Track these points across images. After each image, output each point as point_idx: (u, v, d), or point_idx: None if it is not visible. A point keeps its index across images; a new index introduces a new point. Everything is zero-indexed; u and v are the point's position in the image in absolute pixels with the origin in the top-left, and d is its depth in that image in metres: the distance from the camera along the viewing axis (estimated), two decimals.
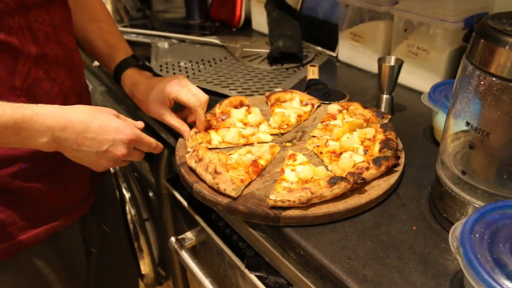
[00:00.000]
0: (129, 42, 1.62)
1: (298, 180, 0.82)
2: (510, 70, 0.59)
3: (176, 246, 1.06)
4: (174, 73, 1.35)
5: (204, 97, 0.97)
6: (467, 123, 0.66)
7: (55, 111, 0.77)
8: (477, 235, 0.59)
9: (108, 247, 1.20)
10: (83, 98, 0.97)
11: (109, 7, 1.86)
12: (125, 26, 1.81)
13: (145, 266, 1.47)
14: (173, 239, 1.07)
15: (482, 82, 0.62)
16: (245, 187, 0.82)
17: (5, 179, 0.84)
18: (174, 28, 1.77)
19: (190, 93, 0.96)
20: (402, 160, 0.88)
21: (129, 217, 1.42)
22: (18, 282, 0.92)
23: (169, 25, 1.82)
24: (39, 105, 0.76)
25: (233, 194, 0.79)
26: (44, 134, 0.75)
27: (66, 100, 0.88)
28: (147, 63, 1.11)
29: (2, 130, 0.71)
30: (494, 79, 0.61)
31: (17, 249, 0.89)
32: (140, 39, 1.66)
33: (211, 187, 0.82)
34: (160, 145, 0.89)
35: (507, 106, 0.60)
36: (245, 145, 0.95)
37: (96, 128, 0.78)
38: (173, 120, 0.99)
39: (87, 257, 1.11)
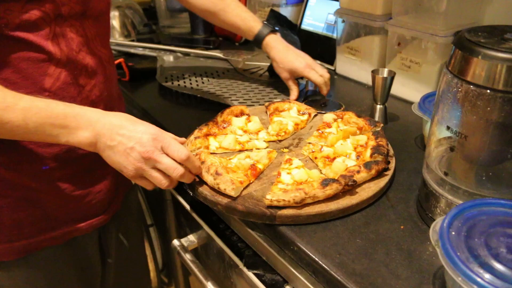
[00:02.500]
0: (136, 56, 1.72)
1: (293, 182, 0.87)
2: (483, 77, 0.64)
3: (179, 248, 1.11)
4: (178, 85, 1.41)
5: (327, 75, 1.26)
6: (448, 127, 0.72)
7: (99, 112, 0.84)
8: (455, 230, 0.64)
9: (127, 259, 1.23)
10: (111, 107, 1.00)
11: (116, 22, 1.93)
12: (132, 40, 1.88)
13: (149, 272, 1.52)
14: (176, 241, 1.12)
15: (460, 90, 0.68)
16: (244, 188, 0.87)
17: (29, 177, 0.89)
18: (179, 42, 1.84)
19: (317, 74, 1.25)
20: (392, 165, 0.93)
21: None
22: (32, 279, 0.97)
23: (175, 39, 1.89)
24: (81, 105, 0.83)
25: (232, 194, 0.84)
26: (86, 129, 0.81)
27: (93, 107, 0.89)
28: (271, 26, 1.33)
29: (53, 120, 0.78)
30: (470, 86, 0.66)
31: (33, 248, 0.93)
32: (147, 52, 1.73)
33: (212, 188, 0.87)
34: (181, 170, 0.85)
35: (482, 110, 0.66)
36: (240, 151, 1.01)
37: (128, 126, 0.82)
38: (293, 86, 1.31)
39: (103, 266, 1.14)
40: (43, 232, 0.94)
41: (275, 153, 0.99)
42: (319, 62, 1.59)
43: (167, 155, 0.83)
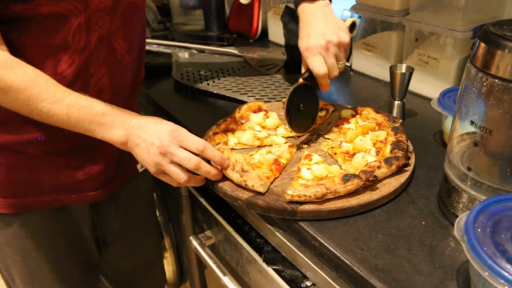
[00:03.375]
0: (151, 53, 1.72)
1: (313, 178, 0.87)
2: (509, 71, 0.63)
3: (196, 244, 1.12)
4: (194, 81, 1.42)
5: (334, 67, 0.99)
6: (471, 122, 0.71)
7: (133, 114, 0.90)
8: (480, 225, 0.63)
9: (133, 242, 1.27)
10: (120, 97, 1.03)
11: None
12: (147, 38, 1.88)
13: (168, 266, 1.53)
14: (193, 237, 1.13)
15: (484, 84, 0.67)
16: (270, 183, 0.87)
17: (27, 144, 0.96)
18: (193, 39, 1.84)
19: (319, 61, 0.97)
20: (412, 161, 0.93)
21: None
22: (21, 237, 1.04)
23: (189, 36, 1.90)
24: (120, 107, 0.90)
25: (261, 189, 0.84)
26: (120, 127, 0.87)
27: (99, 94, 0.96)
28: None
29: (92, 117, 0.86)
30: (495, 80, 0.65)
31: (24, 206, 1.01)
32: (161, 49, 1.74)
33: (238, 185, 0.87)
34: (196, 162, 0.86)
35: (508, 105, 0.65)
36: (259, 146, 1.01)
37: (152, 125, 0.87)
38: (303, 68, 1.03)
39: (99, 245, 1.22)
40: (34, 194, 1.01)
41: (295, 147, 0.99)
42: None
43: (185, 149, 0.85)
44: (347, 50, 1.01)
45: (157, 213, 1.48)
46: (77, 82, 0.93)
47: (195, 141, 0.85)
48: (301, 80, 1.00)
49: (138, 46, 1.06)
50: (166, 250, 1.58)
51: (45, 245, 1.07)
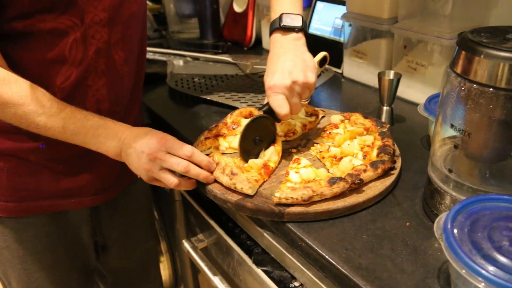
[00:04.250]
0: (147, 60, 1.73)
1: (301, 181, 0.89)
2: (485, 76, 0.66)
3: (189, 248, 1.14)
4: (188, 88, 1.44)
5: (284, 111, 0.93)
6: (452, 125, 0.73)
7: (125, 126, 0.93)
8: (458, 224, 0.65)
9: (132, 246, 1.29)
10: (119, 106, 1.06)
11: None
12: None
13: (164, 270, 1.55)
14: (186, 240, 1.15)
15: (463, 88, 0.70)
16: (259, 186, 0.90)
17: (29, 151, 0.99)
18: (188, 47, 1.87)
19: (280, 101, 0.93)
20: (398, 165, 0.95)
21: None
22: (20, 240, 1.07)
23: (184, 44, 1.93)
24: (114, 120, 0.93)
25: (249, 192, 0.86)
26: (113, 139, 0.91)
27: (98, 105, 0.99)
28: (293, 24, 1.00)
29: (87, 130, 0.90)
30: (473, 85, 0.68)
31: (24, 211, 1.04)
32: (157, 57, 1.77)
33: (228, 188, 0.90)
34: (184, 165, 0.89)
35: (485, 108, 0.67)
36: None
37: (143, 135, 0.90)
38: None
39: (99, 250, 1.25)
40: (34, 199, 1.04)
41: (280, 144, 1.01)
42: (326, 65, 1.61)
43: (174, 155, 0.89)
44: (313, 89, 0.97)
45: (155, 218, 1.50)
46: (76, 94, 0.96)
47: (183, 148, 0.89)
48: (260, 113, 0.98)
49: (136, 55, 1.09)
50: (162, 254, 1.60)
51: (43, 249, 1.09)
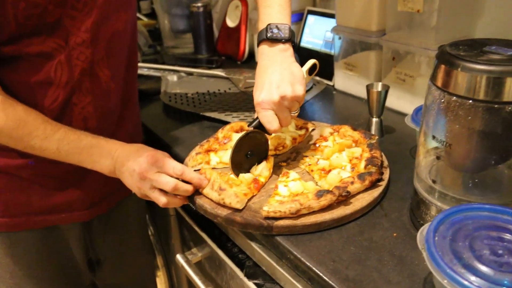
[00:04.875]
0: (142, 76, 1.77)
1: (289, 194, 0.90)
2: (464, 89, 0.68)
3: (183, 262, 1.14)
4: (182, 103, 1.46)
5: (274, 126, 0.93)
6: (433, 137, 0.75)
7: (118, 144, 0.95)
8: (440, 234, 0.67)
9: (127, 261, 1.30)
10: (106, 122, 1.07)
11: None
12: (138, 61, 1.93)
13: (161, 285, 1.55)
14: (180, 255, 1.16)
15: (443, 101, 0.71)
16: (248, 200, 0.91)
17: (18, 168, 1.00)
18: (183, 62, 1.89)
19: (270, 117, 0.93)
20: (386, 176, 0.96)
21: None
22: (11, 255, 1.08)
23: (178, 59, 1.95)
24: (107, 138, 0.96)
25: (238, 206, 0.88)
26: (107, 157, 0.94)
27: (85, 123, 1.01)
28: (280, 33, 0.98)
29: (81, 150, 0.93)
30: (452, 97, 0.70)
31: (15, 226, 1.05)
32: (151, 73, 1.79)
33: (217, 203, 0.91)
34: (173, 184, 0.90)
35: (464, 120, 0.69)
36: None
37: (135, 153, 0.92)
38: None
39: (92, 265, 1.25)
40: (25, 214, 1.05)
41: (272, 160, 1.03)
42: (318, 78, 1.63)
43: (166, 173, 0.91)
44: (302, 100, 0.97)
45: (150, 232, 1.51)
46: (64, 114, 0.98)
47: (173, 166, 0.91)
48: (250, 128, 0.98)
49: (124, 71, 1.10)
50: (158, 269, 1.61)
51: (34, 265, 1.10)
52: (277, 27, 0.98)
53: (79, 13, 0.93)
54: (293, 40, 0.99)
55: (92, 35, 0.96)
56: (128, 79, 1.13)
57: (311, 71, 1.08)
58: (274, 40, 0.98)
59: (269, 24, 0.98)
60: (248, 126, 0.99)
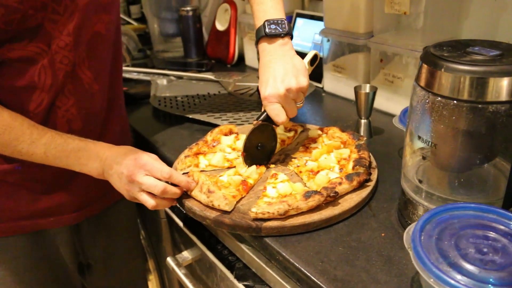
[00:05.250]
0: (131, 80, 1.77)
1: (278, 196, 0.91)
2: (448, 89, 0.68)
3: (173, 265, 1.14)
4: (171, 107, 1.46)
5: (282, 119, 0.97)
6: (419, 137, 0.76)
7: (106, 146, 0.95)
8: (426, 233, 0.67)
9: (117, 265, 1.30)
10: (91, 123, 1.07)
11: None
12: (127, 66, 1.93)
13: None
14: (170, 258, 1.16)
15: (427, 101, 0.72)
16: (237, 202, 0.91)
17: (5, 173, 1.00)
18: (173, 66, 1.89)
19: (277, 110, 0.97)
20: (374, 176, 0.97)
21: None
22: (1, 261, 1.08)
23: (168, 63, 1.95)
24: (94, 141, 0.96)
25: (226, 208, 0.88)
26: (95, 160, 0.94)
27: (69, 125, 1.01)
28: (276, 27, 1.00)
29: (68, 153, 0.93)
30: (436, 97, 0.70)
31: (3, 231, 1.05)
32: (141, 77, 1.79)
33: (206, 205, 0.91)
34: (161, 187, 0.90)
35: (448, 120, 0.70)
36: (229, 168, 1.05)
37: (123, 155, 0.92)
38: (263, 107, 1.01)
39: (83, 269, 1.25)
40: (14, 219, 1.05)
41: (264, 168, 1.03)
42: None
43: (153, 176, 0.90)
44: (306, 91, 1.00)
45: (141, 236, 1.50)
46: (49, 118, 0.98)
47: (161, 170, 0.91)
48: (258, 122, 1.02)
49: (107, 73, 1.10)
50: (150, 273, 1.61)
51: (24, 270, 1.10)
52: (274, 23, 1.00)
53: (60, 17, 0.92)
54: (291, 33, 1.02)
55: (75, 38, 0.96)
56: (112, 81, 1.13)
57: (312, 62, 1.12)
58: (273, 36, 1.00)
59: (266, 21, 1.00)
60: (256, 119, 1.02)
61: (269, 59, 1.00)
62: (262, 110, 1.02)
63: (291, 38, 1.03)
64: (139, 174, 0.89)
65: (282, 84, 0.95)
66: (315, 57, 1.12)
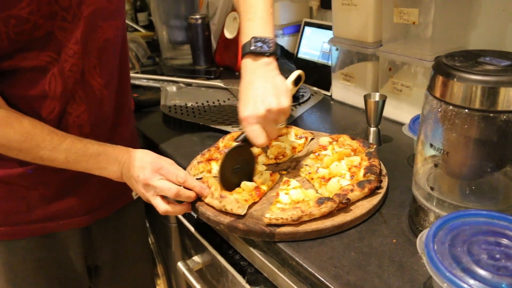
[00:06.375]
0: (141, 87, 1.79)
1: (291, 202, 0.92)
2: (460, 98, 0.70)
3: (184, 270, 1.16)
4: (182, 114, 1.48)
5: (261, 141, 0.94)
6: (431, 145, 0.77)
7: (124, 150, 0.98)
8: (439, 239, 0.68)
9: (125, 268, 1.31)
10: (100, 128, 1.09)
11: None
12: (137, 73, 1.96)
13: None
14: (181, 263, 1.17)
15: (439, 110, 0.74)
16: (249, 207, 0.92)
17: (18, 177, 1.02)
18: (181, 73, 1.92)
19: (256, 131, 0.93)
20: (385, 184, 0.98)
21: None
22: (10, 264, 1.09)
23: (177, 70, 1.97)
24: (113, 145, 0.98)
25: (239, 212, 0.89)
26: (114, 163, 0.96)
27: (80, 130, 1.03)
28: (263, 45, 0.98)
29: (88, 158, 0.95)
30: (449, 106, 0.72)
31: (14, 234, 1.06)
32: (151, 83, 1.81)
33: (219, 211, 0.92)
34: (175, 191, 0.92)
35: (460, 128, 0.71)
36: None
37: (140, 158, 0.95)
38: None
39: (92, 272, 1.27)
40: (25, 222, 1.06)
41: (278, 176, 1.04)
42: (315, 88, 1.66)
43: (169, 181, 0.93)
44: (288, 112, 0.96)
45: (150, 241, 1.52)
46: (60, 123, 1.00)
47: (176, 174, 0.93)
48: (236, 143, 0.98)
49: (116, 77, 1.12)
50: (159, 277, 1.62)
51: (33, 274, 1.11)
52: (261, 41, 0.98)
53: (70, 24, 0.94)
54: (277, 53, 0.99)
55: (83, 45, 0.98)
56: (121, 86, 1.15)
57: (297, 82, 1.08)
58: (258, 54, 0.97)
59: (253, 37, 0.98)
60: (235, 141, 0.99)
61: (250, 78, 0.97)
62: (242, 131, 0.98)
63: (277, 59, 1.00)
64: (154, 178, 0.91)
65: (263, 105, 0.91)
66: (299, 77, 1.08)
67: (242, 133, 0.98)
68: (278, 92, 0.93)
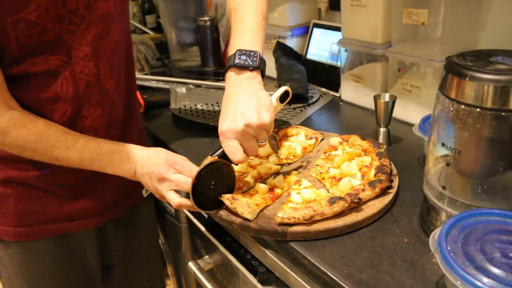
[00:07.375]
0: (150, 88, 1.80)
1: (302, 201, 0.93)
2: (472, 97, 0.70)
3: (195, 269, 1.16)
4: (192, 115, 1.49)
5: (238, 157, 0.90)
6: (443, 144, 0.77)
7: (138, 148, 0.99)
8: (452, 238, 0.69)
9: (136, 268, 1.32)
10: (111, 130, 1.11)
11: None
12: (146, 74, 1.97)
13: None
14: (192, 263, 1.18)
15: (451, 109, 0.74)
16: (260, 211, 0.93)
17: (34, 178, 1.04)
18: (190, 75, 1.93)
19: (234, 147, 0.90)
20: (395, 183, 0.99)
21: None
22: (26, 264, 1.11)
23: (186, 72, 1.98)
24: (126, 143, 0.99)
25: (249, 217, 0.90)
26: (127, 161, 0.97)
27: (95, 133, 1.04)
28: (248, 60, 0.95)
29: (102, 156, 0.96)
30: (461, 105, 0.72)
31: (30, 235, 1.08)
32: (160, 85, 1.83)
33: (230, 211, 0.93)
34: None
35: (472, 127, 0.72)
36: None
37: (153, 155, 0.96)
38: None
39: (106, 272, 1.28)
40: (41, 223, 1.08)
41: (294, 177, 1.03)
42: (324, 89, 1.66)
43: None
44: (271, 128, 0.93)
45: (160, 241, 1.53)
46: (74, 127, 1.01)
47: (190, 169, 0.94)
48: (212, 158, 0.93)
49: (124, 80, 1.14)
50: (168, 278, 1.63)
51: (49, 274, 1.13)
52: (246, 54, 0.95)
53: (78, 27, 0.96)
54: (262, 68, 0.97)
55: (93, 48, 0.99)
56: (128, 86, 1.16)
57: (283, 99, 1.04)
58: (241, 67, 0.95)
59: (238, 50, 0.96)
60: (211, 155, 0.94)
61: (232, 91, 0.94)
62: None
63: (262, 73, 0.98)
64: (169, 173, 0.92)
65: (242, 119, 0.88)
66: (286, 93, 1.03)
67: (219, 148, 0.93)
68: (259, 107, 0.90)
